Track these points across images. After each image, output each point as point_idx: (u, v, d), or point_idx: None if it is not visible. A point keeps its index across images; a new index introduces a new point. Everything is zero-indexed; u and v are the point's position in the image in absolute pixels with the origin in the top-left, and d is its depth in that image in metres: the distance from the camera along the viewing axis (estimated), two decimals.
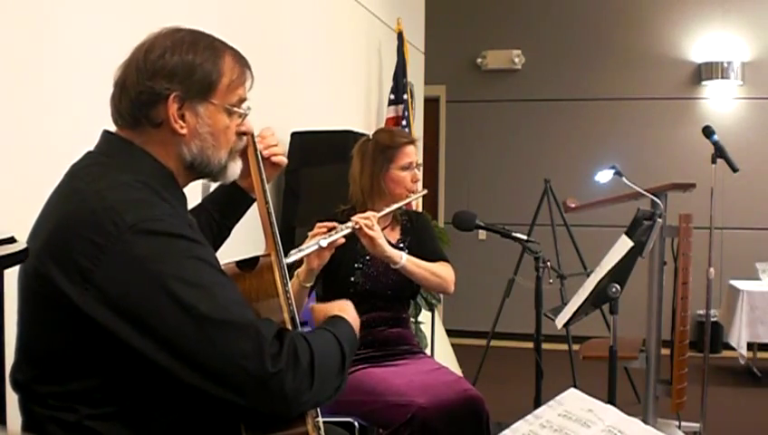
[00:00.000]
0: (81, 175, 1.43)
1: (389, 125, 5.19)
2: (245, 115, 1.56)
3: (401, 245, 2.84)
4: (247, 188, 1.83)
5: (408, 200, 2.80)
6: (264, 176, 1.72)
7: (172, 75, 1.42)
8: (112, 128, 1.52)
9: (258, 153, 1.72)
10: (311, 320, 1.77)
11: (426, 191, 2.96)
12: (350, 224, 2.45)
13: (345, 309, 1.63)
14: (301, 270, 2.41)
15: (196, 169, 1.50)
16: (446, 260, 2.82)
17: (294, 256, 2.21)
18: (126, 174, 1.40)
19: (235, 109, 1.51)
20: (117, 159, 1.44)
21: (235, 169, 1.56)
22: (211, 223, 1.88)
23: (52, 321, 1.34)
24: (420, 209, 4.68)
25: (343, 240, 2.37)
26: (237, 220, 1.95)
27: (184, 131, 1.45)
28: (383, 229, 2.78)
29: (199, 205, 1.90)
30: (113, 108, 1.47)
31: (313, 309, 1.68)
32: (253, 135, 1.68)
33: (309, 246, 2.28)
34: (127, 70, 1.45)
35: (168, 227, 1.33)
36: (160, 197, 1.39)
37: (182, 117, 1.44)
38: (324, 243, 2.29)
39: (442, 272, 2.75)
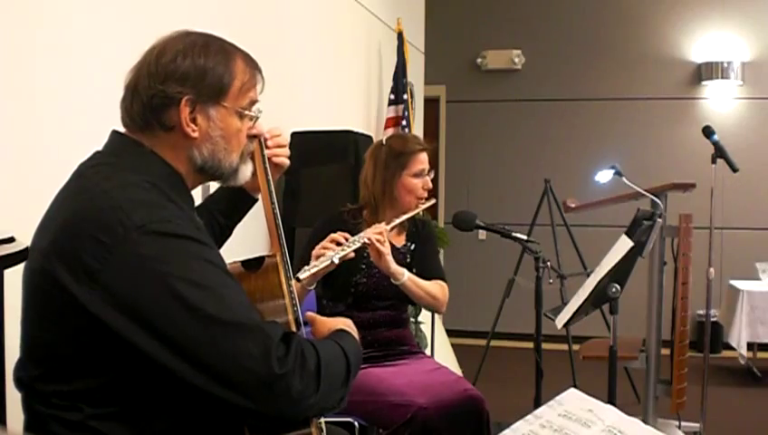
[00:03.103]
0: (89, 174, 1.43)
1: (389, 125, 5.20)
2: (257, 118, 1.56)
3: (405, 250, 2.86)
4: (249, 188, 1.83)
5: (416, 211, 2.81)
6: (270, 177, 1.72)
7: (184, 79, 1.43)
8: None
9: (265, 155, 1.72)
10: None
11: (434, 201, 2.96)
12: (362, 239, 2.47)
13: (349, 325, 1.64)
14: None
15: (208, 172, 1.51)
16: (443, 279, 2.83)
17: (307, 272, 2.21)
18: (134, 174, 1.40)
19: (247, 112, 1.51)
20: (126, 159, 1.44)
21: (246, 171, 1.57)
22: (213, 224, 1.88)
23: (58, 319, 1.34)
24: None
25: (353, 254, 2.40)
26: (239, 220, 1.95)
27: (196, 135, 1.45)
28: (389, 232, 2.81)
29: (201, 205, 1.90)
30: (124, 111, 1.47)
31: (314, 320, 1.66)
32: (261, 138, 1.68)
33: (322, 263, 2.29)
34: (138, 73, 1.45)
35: (175, 229, 1.33)
36: (168, 198, 1.39)
37: (194, 120, 1.44)
38: (337, 259, 2.31)
39: (438, 293, 2.77)
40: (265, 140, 1.73)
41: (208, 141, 1.47)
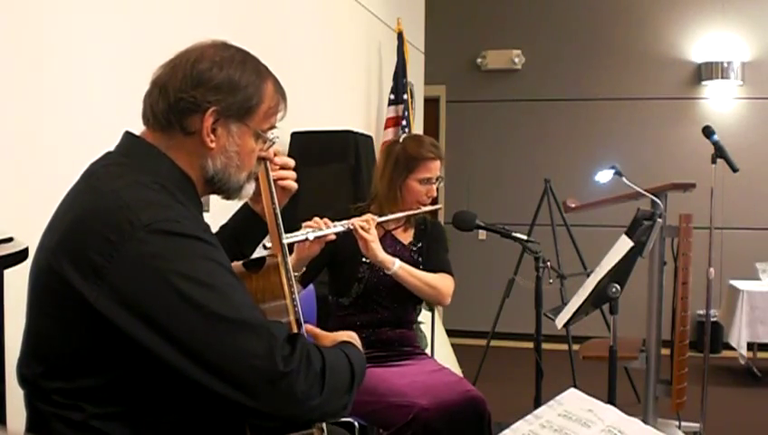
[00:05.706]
0: (99, 174, 1.44)
1: (389, 125, 5.20)
2: (272, 143, 1.59)
3: (413, 247, 2.85)
4: (261, 213, 1.84)
5: (414, 212, 2.79)
6: (270, 176, 1.73)
7: (216, 90, 1.44)
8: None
9: (270, 173, 1.73)
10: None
11: (440, 206, 2.93)
12: (345, 223, 2.46)
13: (353, 337, 1.64)
14: (290, 259, 2.42)
15: (215, 185, 1.52)
16: (449, 272, 2.81)
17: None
18: (144, 175, 1.41)
19: (264, 135, 1.53)
20: (136, 160, 1.45)
21: (249, 190, 1.58)
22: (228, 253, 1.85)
23: (64, 317, 1.34)
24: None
25: (333, 237, 2.39)
26: (253, 246, 1.93)
27: (213, 145, 1.46)
28: (395, 229, 2.80)
29: (216, 234, 1.89)
30: (147, 107, 1.48)
31: (316, 335, 1.66)
32: (267, 161, 1.69)
33: (296, 236, 2.28)
34: (170, 72, 1.46)
35: (182, 229, 1.34)
36: (176, 200, 1.41)
37: (214, 131, 1.46)
38: (312, 236, 2.30)
39: (438, 283, 2.74)
40: (271, 161, 1.73)
41: (223, 155, 1.48)
